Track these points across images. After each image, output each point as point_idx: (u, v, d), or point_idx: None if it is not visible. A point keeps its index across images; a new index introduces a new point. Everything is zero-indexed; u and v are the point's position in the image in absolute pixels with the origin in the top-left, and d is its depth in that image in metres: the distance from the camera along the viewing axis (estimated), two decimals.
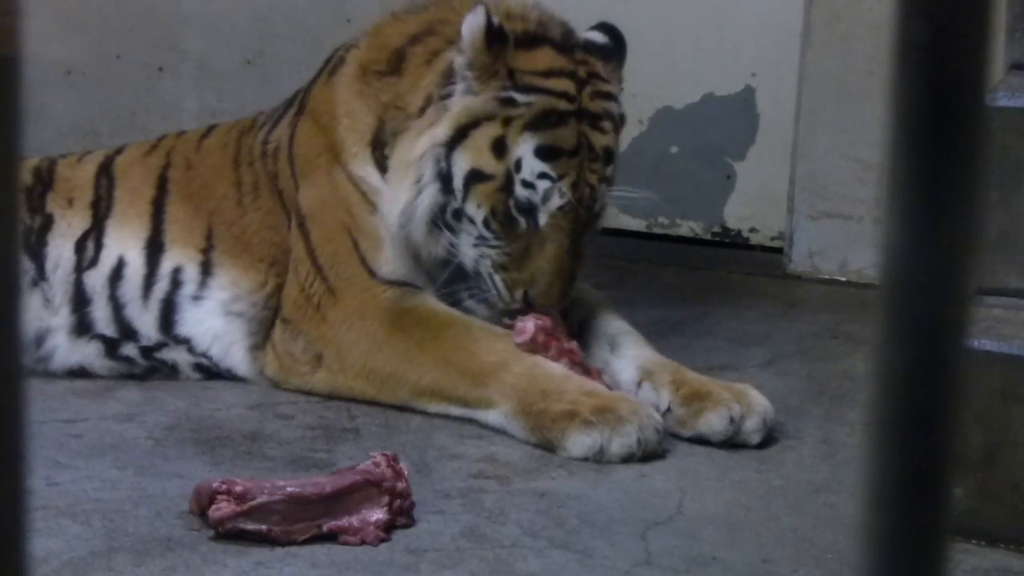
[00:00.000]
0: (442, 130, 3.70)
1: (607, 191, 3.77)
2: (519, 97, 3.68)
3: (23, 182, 4.14)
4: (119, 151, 4.37)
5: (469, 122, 3.69)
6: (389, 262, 3.82)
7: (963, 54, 0.92)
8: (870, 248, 5.04)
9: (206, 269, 4.08)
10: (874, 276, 4.93)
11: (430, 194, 3.72)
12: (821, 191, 5.14)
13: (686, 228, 5.45)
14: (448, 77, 3.73)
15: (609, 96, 3.82)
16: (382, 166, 3.87)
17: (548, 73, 3.73)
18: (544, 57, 3.75)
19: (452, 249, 3.74)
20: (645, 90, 5.22)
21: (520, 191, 3.66)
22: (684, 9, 5.46)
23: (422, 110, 3.77)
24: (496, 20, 3.69)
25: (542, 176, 3.65)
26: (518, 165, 3.66)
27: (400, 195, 3.76)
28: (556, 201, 3.65)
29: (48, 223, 4.17)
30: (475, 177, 3.69)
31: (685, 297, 4.83)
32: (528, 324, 3.62)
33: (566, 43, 3.80)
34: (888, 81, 0.94)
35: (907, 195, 0.94)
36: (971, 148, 0.94)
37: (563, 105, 3.71)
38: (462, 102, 3.70)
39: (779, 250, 5.32)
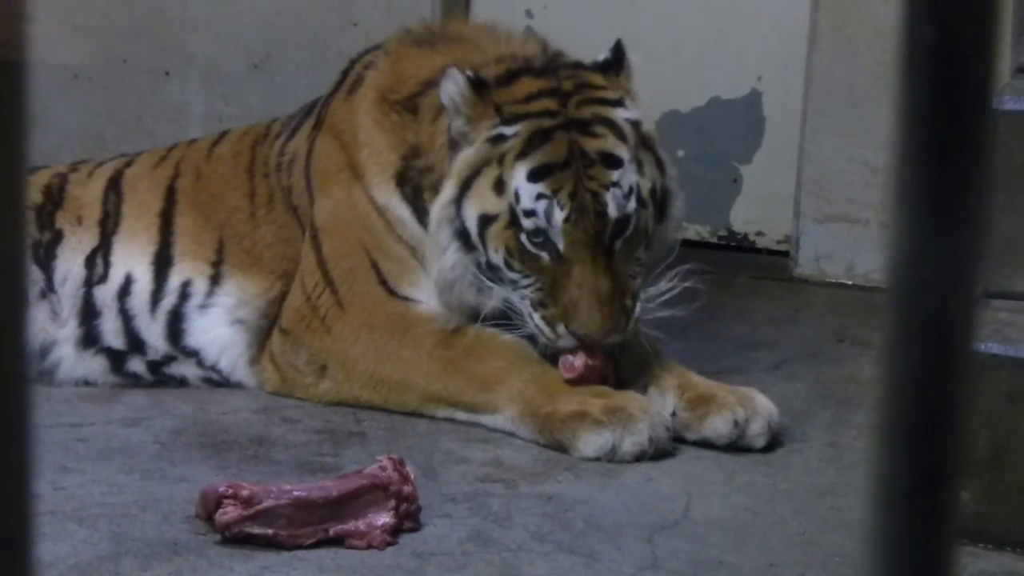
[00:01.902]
0: (448, 190, 3.69)
1: (623, 196, 3.63)
2: (507, 130, 3.66)
3: (33, 201, 4.15)
4: (129, 163, 4.35)
5: (471, 173, 3.67)
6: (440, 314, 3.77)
7: (969, 58, 0.92)
8: (877, 251, 5.04)
9: (215, 280, 4.07)
10: (881, 279, 4.90)
11: (451, 255, 3.68)
12: (827, 194, 5.13)
13: (692, 231, 5.45)
14: (454, 147, 3.72)
15: (603, 101, 3.75)
16: (412, 203, 3.86)
17: (528, 98, 3.70)
18: (523, 86, 3.73)
19: (505, 301, 3.67)
20: (651, 94, 5.21)
21: (525, 222, 3.60)
22: (690, 13, 5.46)
23: (442, 180, 3.75)
24: (471, 73, 3.68)
25: (539, 197, 3.60)
26: (517, 196, 3.62)
27: (432, 267, 3.74)
28: (558, 215, 3.57)
29: (58, 238, 4.17)
30: (484, 222, 3.65)
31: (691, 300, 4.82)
32: (577, 361, 3.56)
33: (547, 67, 3.78)
34: (895, 85, 0.94)
35: (914, 198, 0.94)
36: (977, 151, 0.93)
37: (547, 122, 3.66)
38: (462, 156, 3.69)
39: (785, 253, 5.32)
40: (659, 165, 3.80)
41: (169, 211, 4.18)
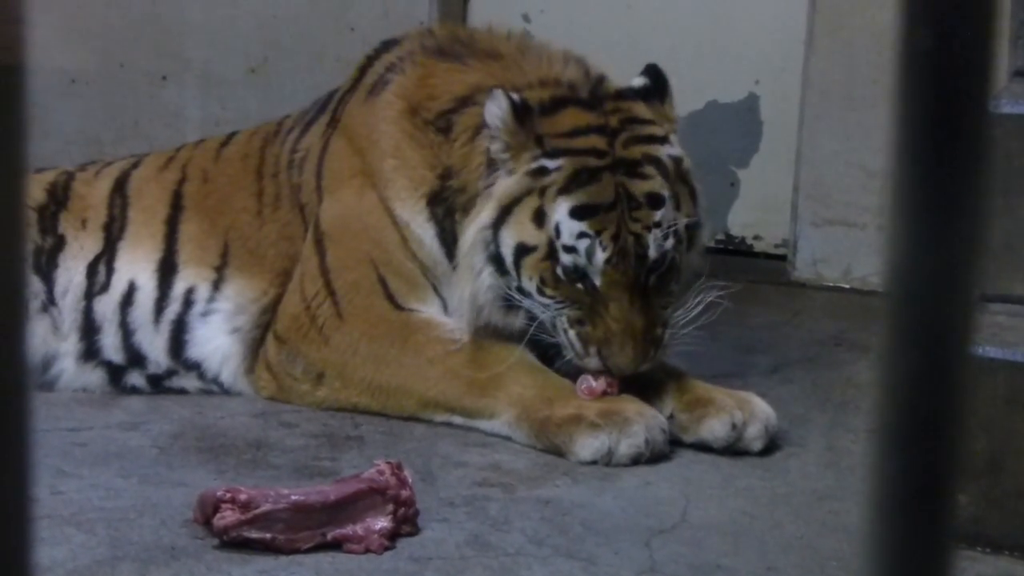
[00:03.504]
0: (487, 214, 3.64)
1: (664, 237, 3.60)
2: (549, 164, 3.60)
3: (37, 200, 4.13)
4: (136, 164, 4.33)
5: (510, 202, 3.62)
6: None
7: (967, 62, 0.92)
8: (874, 255, 5.04)
9: (216, 285, 4.06)
10: (878, 283, 4.87)
11: (486, 279, 3.65)
12: (825, 198, 5.14)
13: None
14: (491, 166, 3.68)
15: (651, 139, 3.70)
16: (440, 224, 3.83)
17: (574, 132, 3.64)
18: (568, 118, 3.67)
19: (531, 320, 3.64)
20: None
21: (564, 257, 3.57)
22: (688, 17, 5.46)
23: (473, 199, 3.72)
24: (516, 97, 3.63)
25: (581, 236, 3.55)
26: (558, 231, 3.57)
27: (464, 288, 3.70)
28: (600, 256, 3.53)
29: (60, 244, 4.14)
30: (521, 251, 3.61)
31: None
32: (598, 386, 3.54)
33: (593, 98, 3.71)
34: (892, 88, 0.94)
35: (912, 202, 0.94)
36: (975, 155, 0.94)
37: (593, 161, 3.61)
38: (502, 184, 3.64)
39: (783, 257, 5.32)
40: (693, 198, 3.76)
41: (175, 217, 4.15)
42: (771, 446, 3.56)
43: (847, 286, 5.11)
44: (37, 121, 5.45)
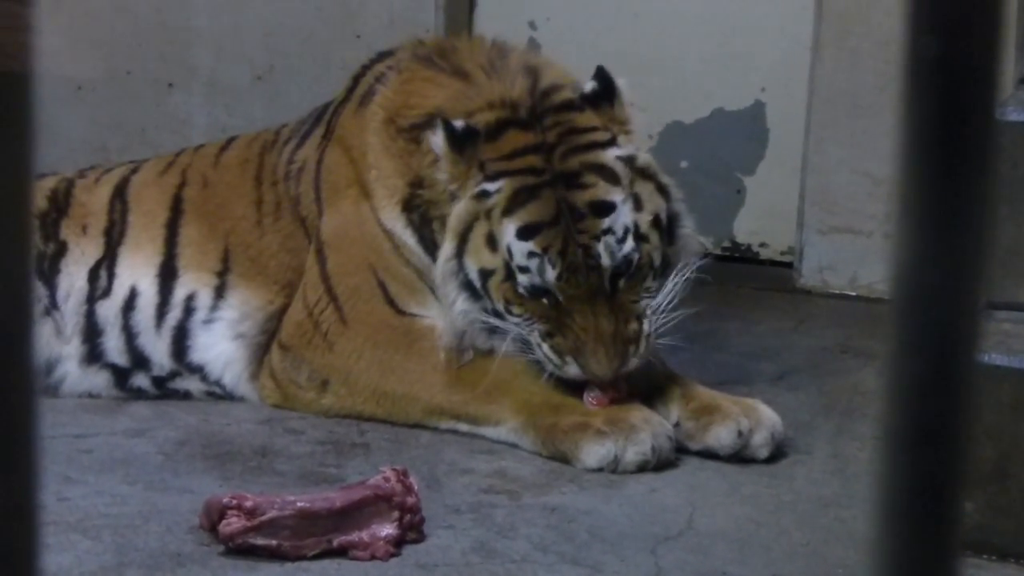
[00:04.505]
0: (448, 246, 3.69)
1: (617, 241, 3.59)
2: (490, 187, 3.63)
3: (38, 206, 4.13)
4: (136, 170, 4.33)
5: (464, 228, 3.67)
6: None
7: (973, 69, 0.92)
8: (880, 263, 5.03)
9: (219, 292, 4.06)
10: (884, 291, 4.87)
11: (460, 305, 3.68)
12: (831, 206, 5.13)
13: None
14: (452, 193, 3.72)
15: (591, 146, 3.69)
16: (419, 231, 3.85)
17: (512, 154, 3.66)
18: (508, 140, 3.69)
19: (516, 340, 3.65)
20: (655, 105, 5.22)
21: (521, 277, 3.59)
22: (694, 24, 5.46)
23: (445, 216, 3.75)
24: (459, 124, 3.66)
25: (530, 255, 3.58)
26: (510, 253, 3.60)
27: (444, 316, 3.74)
28: (550, 273, 3.55)
29: (62, 250, 4.14)
30: (484, 275, 3.65)
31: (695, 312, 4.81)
32: (605, 396, 3.56)
33: (532, 116, 3.71)
34: (898, 96, 0.94)
35: (918, 210, 0.94)
36: (981, 163, 0.94)
37: (531, 180, 3.63)
38: (455, 212, 3.68)
39: (789, 265, 5.32)
40: (662, 191, 3.75)
41: (175, 221, 4.16)
42: (777, 453, 3.56)
43: (853, 293, 5.10)
44: (43, 128, 5.45)
